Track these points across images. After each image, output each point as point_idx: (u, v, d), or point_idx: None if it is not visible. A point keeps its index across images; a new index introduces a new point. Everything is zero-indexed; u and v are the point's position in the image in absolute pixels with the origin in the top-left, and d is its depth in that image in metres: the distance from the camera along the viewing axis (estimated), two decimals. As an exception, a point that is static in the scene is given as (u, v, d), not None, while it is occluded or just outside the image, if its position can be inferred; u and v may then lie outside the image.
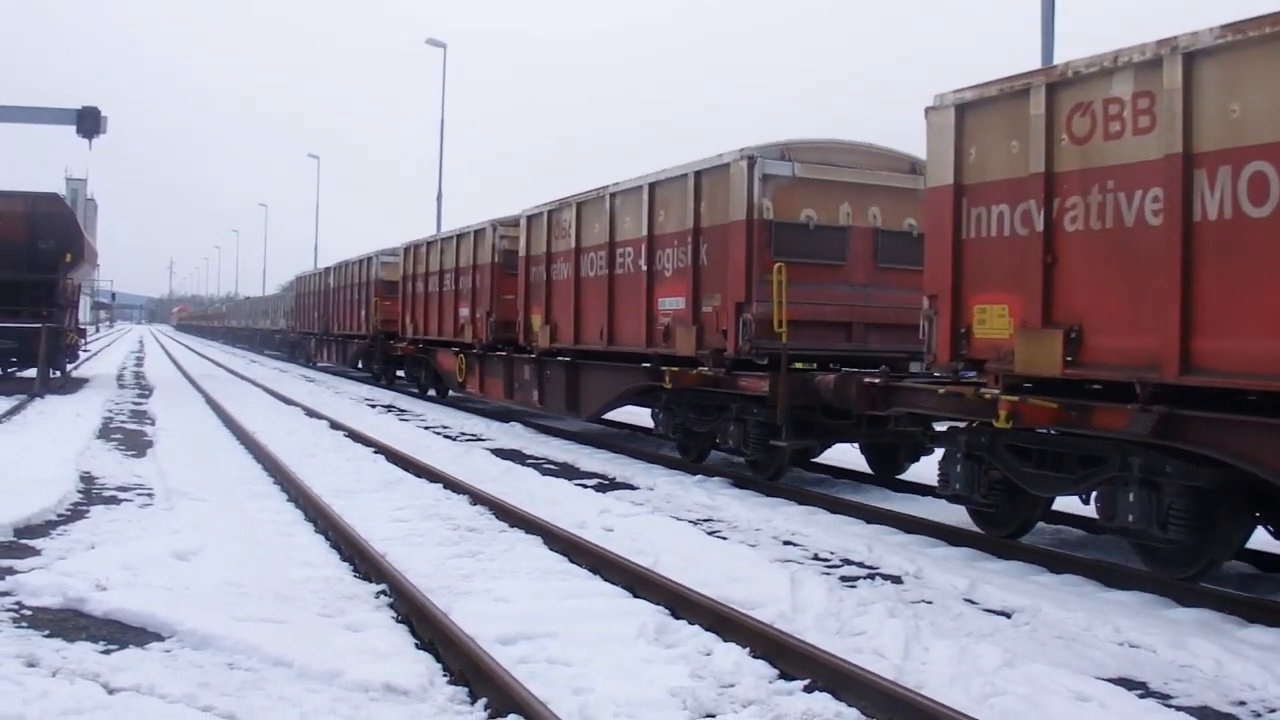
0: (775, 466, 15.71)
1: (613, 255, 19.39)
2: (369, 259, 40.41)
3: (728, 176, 15.91)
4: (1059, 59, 15.75)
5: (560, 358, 21.64)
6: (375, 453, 18.52)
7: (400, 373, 38.19)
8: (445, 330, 29.46)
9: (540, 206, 22.63)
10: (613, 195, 19.47)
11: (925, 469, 15.47)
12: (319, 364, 52.81)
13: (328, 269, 49.57)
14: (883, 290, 16.27)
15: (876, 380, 13.27)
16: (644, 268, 18.26)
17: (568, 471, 17.30)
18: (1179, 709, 7.06)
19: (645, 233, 18.22)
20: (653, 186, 18.10)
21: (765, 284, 15.18)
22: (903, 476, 16.50)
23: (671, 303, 17.51)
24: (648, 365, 18.08)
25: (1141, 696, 7.26)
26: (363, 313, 40.64)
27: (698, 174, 16.70)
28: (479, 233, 27.03)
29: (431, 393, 33.52)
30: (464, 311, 27.70)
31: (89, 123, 29.40)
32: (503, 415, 26.32)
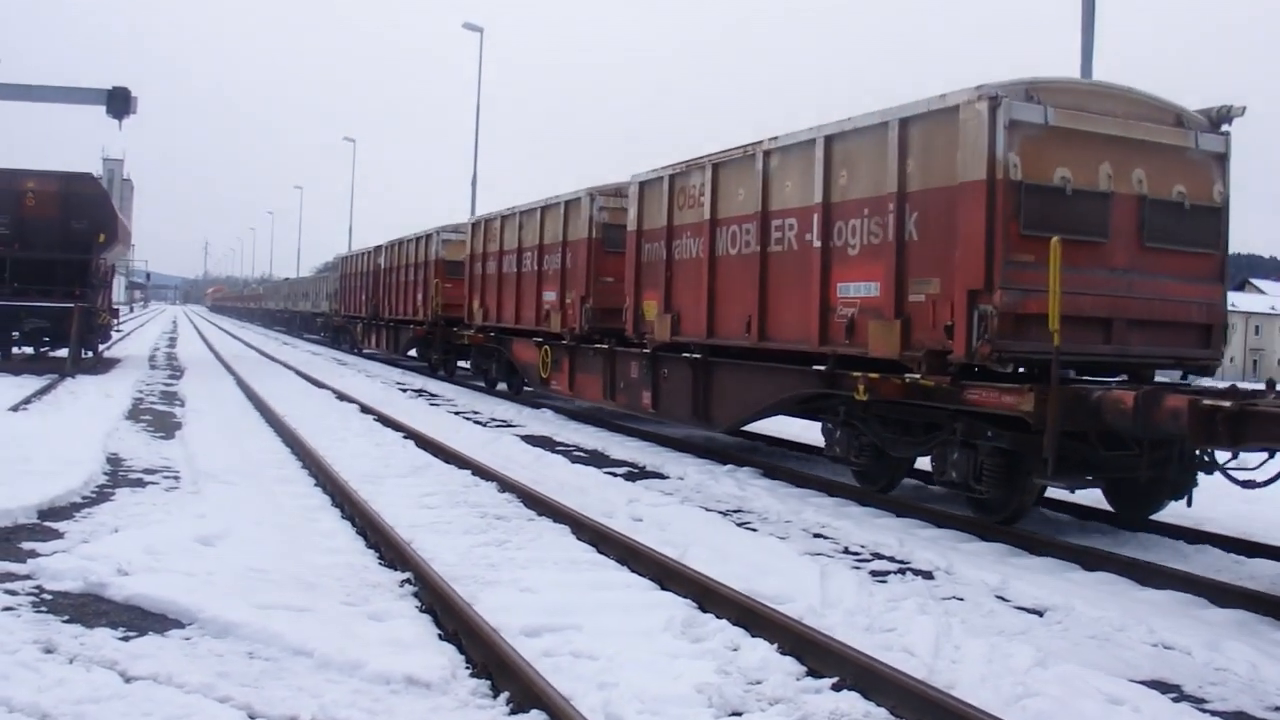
0: (1015, 508, 12.38)
1: (766, 228, 15.53)
2: (428, 236, 36.57)
3: (957, 123, 12.14)
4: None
5: (685, 354, 18.09)
6: (404, 437, 18.43)
7: (464, 364, 34.99)
8: (525, 317, 25.75)
9: (658, 170, 18.78)
10: (767, 154, 15.57)
11: (1186, 510, 12.99)
12: (365, 351, 49.96)
13: (378, 248, 45.46)
14: (1148, 277, 12.59)
15: (1225, 403, 10.19)
16: (815, 244, 14.35)
17: (597, 459, 17.19)
18: (1214, 714, 6.90)
19: (819, 199, 14.31)
20: (829, 141, 14.23)
21: (1012, 266, 11.73)
22: (1158, 517, 13.06)
23: (859, 289, 13.69)
24: (820, 368, 14.33)
25: (1175, 700, 7.11)
26: (419, 296, 37.01)
27: (903, 122, 13.00)
28: (571, 203, 23.25)
29: (501, 387, 29.38)
30: (550, 296, 24.08)
31: (119, 103, 29.38)
32: (532, 402, 26.17)
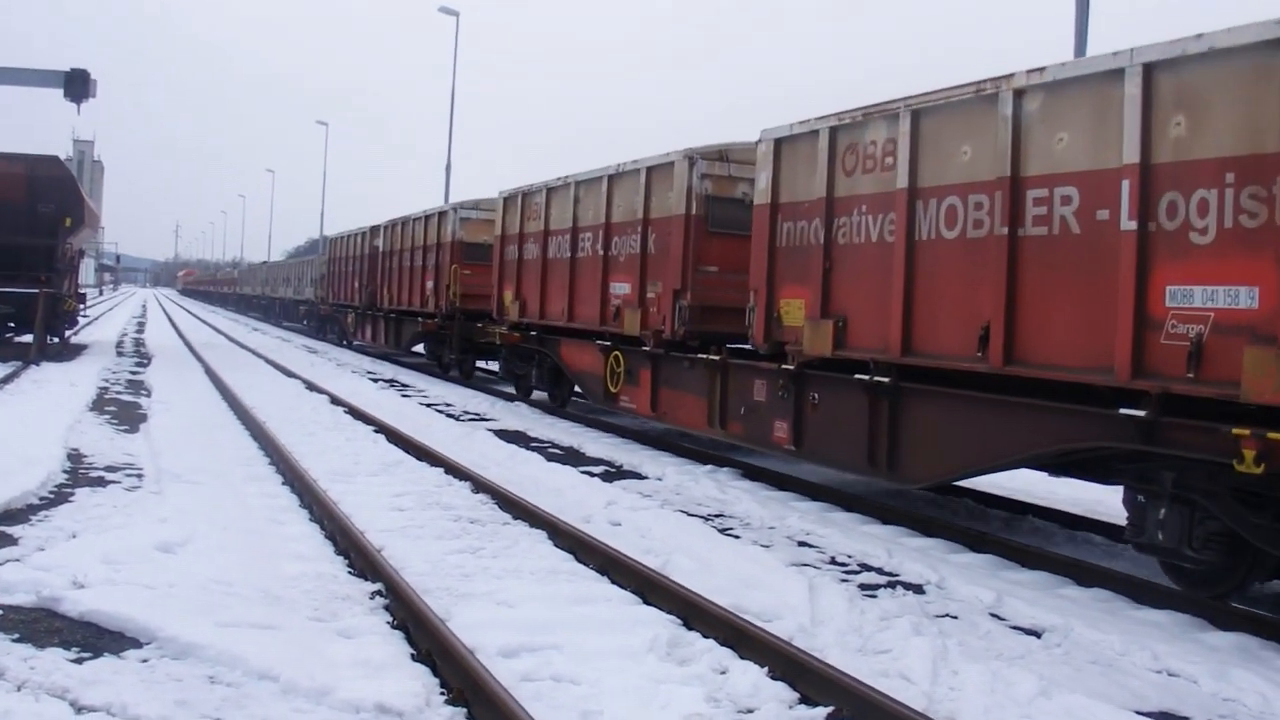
0: None
1: (1016, 201, 10.90)
2: (441, 214, 31.64)
3: None
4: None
5: (857, 376, 12.98)
6: (375, 432, 18.04)
7: (487, 365, 31.04)
8: (583, 314, 20.51)
9: (809, 122, 14.00)
10: (1020, 93, 11.02)
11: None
12: (357, 343, 45.08)
13: (376, 228, 40.20)
14: None
15: None
16: (1123, 225, 9.83)
17: (573, 457, 16.81)
18: (1229, 751, 6.53)
19: (1132, 159, 9.75)
20: (1152, 72, 9.70)
21: None
22: None
23: (1211, 295, 9.15)
24: (1132, 413, 9.57)
25: (1187, 733, 6.75)
26: (429, 284, 32.02)
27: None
28: (657, 170, 18.17)
29: (537, 396, 24.49)
30: (621, 288, 19.11)
31: (77, 86, 28.80)
32: (507, 395, 25.68)
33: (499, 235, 25.23)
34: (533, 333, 23.10)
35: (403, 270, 35.32)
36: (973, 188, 11.54)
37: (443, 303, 30.21)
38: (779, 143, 14.62)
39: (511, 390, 25.96)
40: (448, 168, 50.14)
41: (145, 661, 6.92)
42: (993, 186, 11.19)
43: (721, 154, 17.34)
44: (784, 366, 14.27)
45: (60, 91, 30.07)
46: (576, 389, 22.53)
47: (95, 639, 7.31)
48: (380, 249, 38.93)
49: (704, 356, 16.35)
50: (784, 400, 14.35)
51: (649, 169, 18.29)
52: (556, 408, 22.78)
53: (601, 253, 19.78)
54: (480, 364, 31.31)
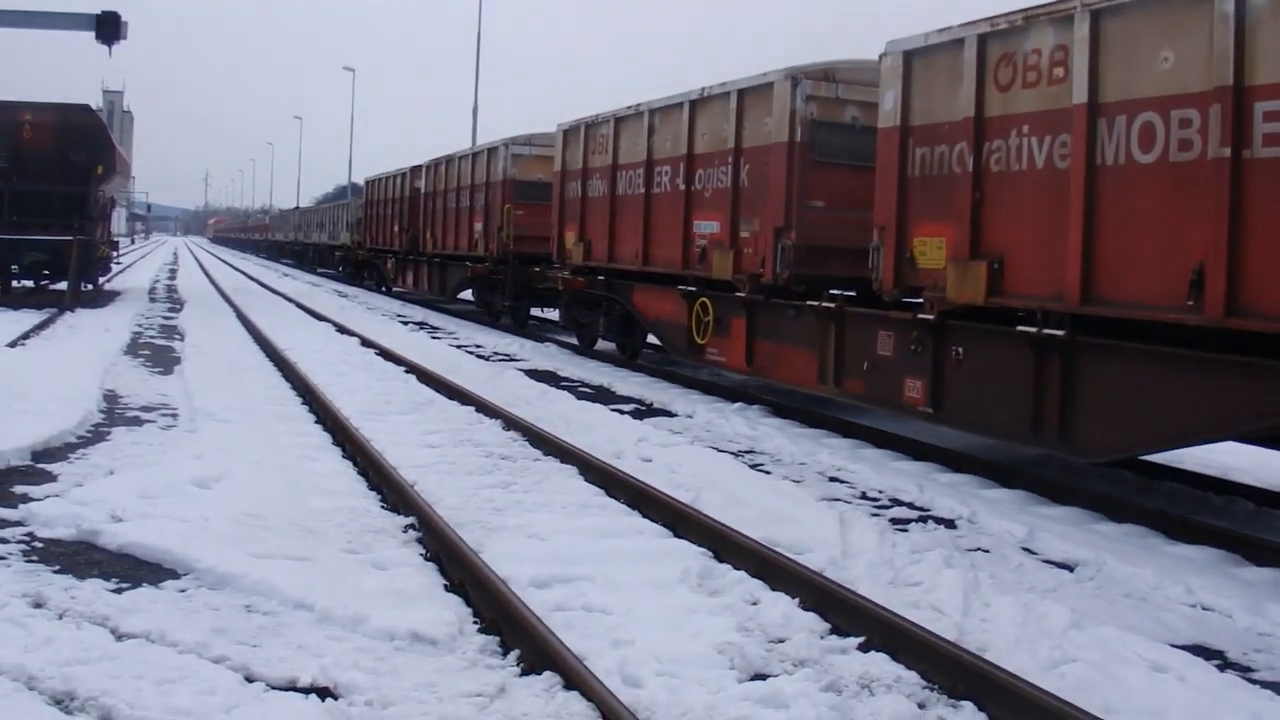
0: None
1: (1242, 117, 8.97)
2: (492, 150, 29.22)
3: None
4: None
5: (1020, 328, 10.98)
6: (406, 372, 18.09)
7: (544, 312, 29.13)
8: (661, 256, 18.42)
9: (948, 30, 12.01)
10: None
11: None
12: (397, 290, 43.31)
13: (417, 168, 37.58)
14: None
15: None
16: None
17: (604, 396, 16.85)
18: (1264, 685, 6.50)
19: None
20: None
21: None
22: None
23: None
24: None
25: (1221, 668, 6.72)
26: (478, 226, 29.69)
27: None
28: (752, 93, 15.90)
29: (602, 346, 22.59)
30: (707, 227, 16.91)
31: (108, 28, 28.69)
32: (535, 335, 25.68)
33: (559, 171, 22.93)
34: (600, 277, 20.92)
35: (448, 212, 33.13)
36: (1177, 101, 9.55)
37: (493, 246, 28.06)
38: (910, 56, 12.49)
39: (569, 339, 24.32)
40: (474, 110, 50.05)
41: (183, 591, 7.03)
42: (1207, 99, 9.20)
43: (827, 73, 15.13)
44: (920, 316, 12.18)
45: (91, 37, 30.02)
46: (650, 339, 21.01)
47: (134, 570, 7.42)
48: (422, 190, 36.54)
49: (815, 304, 14.11)
50: (918, 355, 12.38)
51: (741, 92, 16.03)
52: (626, 360, 20.91)
53: (683, 188, 17.55)
54: (535, 311, 29.29)
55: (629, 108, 19.72)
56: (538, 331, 26.97)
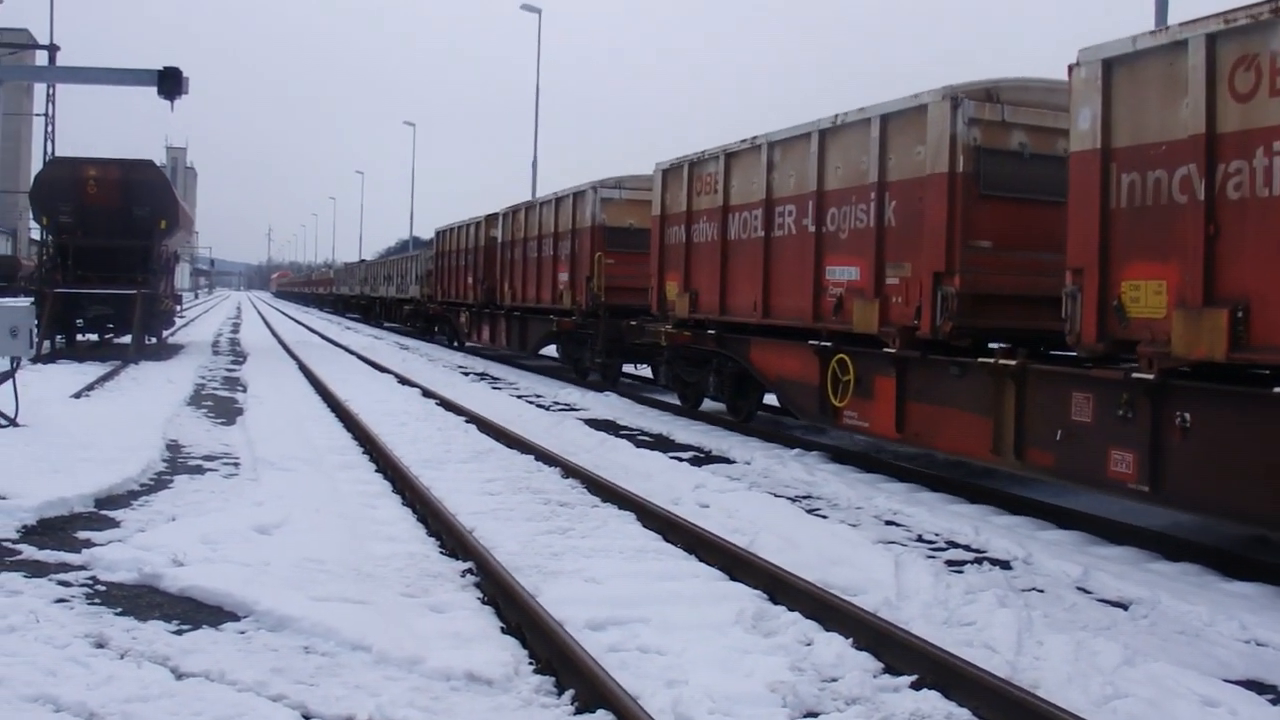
0: None
1: None
2: (578, 195, 26.79)
3: None
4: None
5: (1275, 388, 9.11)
6: (467, 422, 18.20)
7: (637, 369, 26.84)
8: (782, 307, 16.29)
9: (1164, 31, 10.59)
10: None
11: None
12: (470, 345, 40.31)
13: (492, 216, 35.50)
14: None
15: None
16: None
17: (662, 444, 16.86)
18: (1317, 720, 6.47)
19: None
20: None
21: None
22: None
23: None
24: None
25: (1274, 702, 6.73)
26: (562, 276, 27.49)
27: None
28: (897, 119, 13.88)
29: (709, 406, 20.42)
30: (843, 273, 14.82)
31: (170, 84, 29.19)
32: (598, 385, 25.75)
33: (658, 215, 20.96)
34: (709, 331, 18.72)
35: (528, 262, 30.91)
36: None
37: (581, 297, 25.84)
38: (1111, 65, 10.54)
39: (662, 397, 22.62)
40: (534, 163, 50.41)
41: (242, 633, 7.14)
42: None
43: (989, 92, 13.12)
44: (1135, 375, 10.13)
45: (153, 93, 30.58)
46: (768, 400, 19.25)
47: (194, 612, 7.55)
48: (499, 239, 34.23)
49: (989, 360, 12.06)
50: (1128, 422, 10.33)
51: (885, 117, 14.01)
52: (738, 422, 18.69)
53: (812, 229, 15.41)
54: (629, 368, 26.92)
55: (742, 142, 17.69)
56: (631, 390, 24.90)
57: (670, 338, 20.13)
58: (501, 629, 7.48)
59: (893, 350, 13.64)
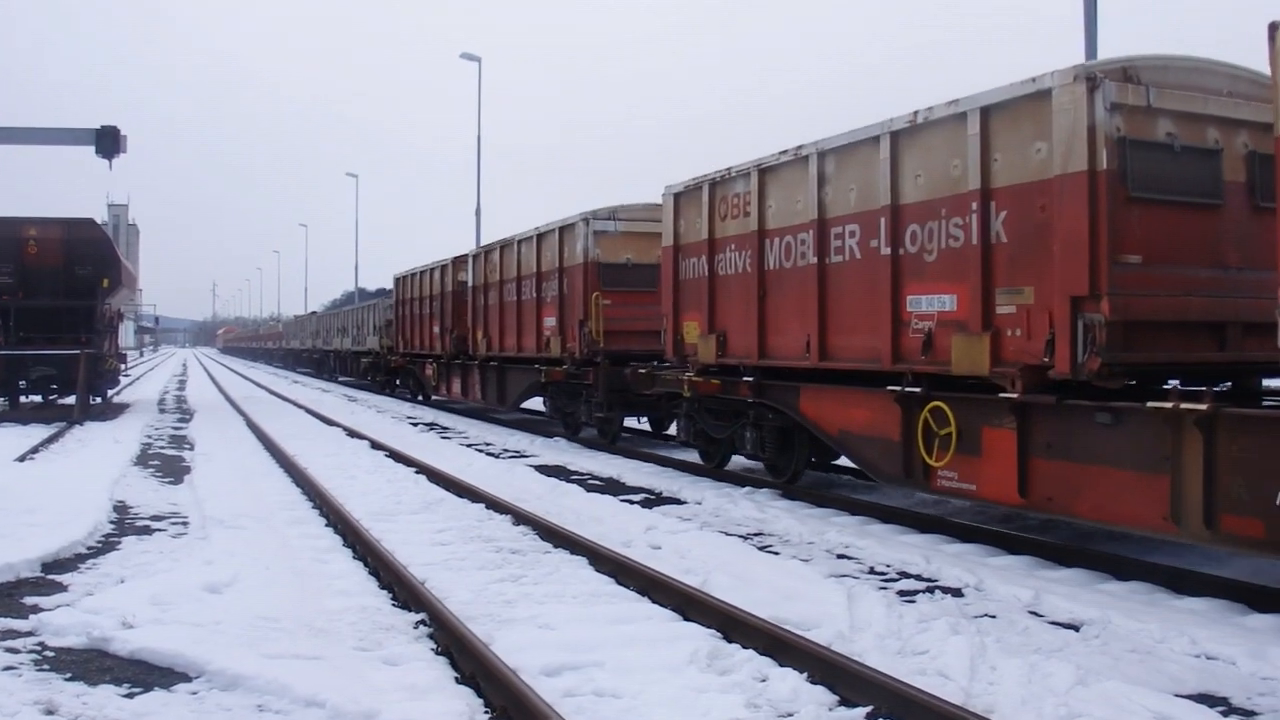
0: None
1: None
2: (566, 229, 23.73)
3: None
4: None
5: None
6: (416, 473, 18.15)
7: (634, 421, 24.26)
8: (844, 346, 13.80)
9: None
10: None
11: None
12: (438, 399, 37.90)
13: (460, 259, 33.21)
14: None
15: None
16: None
17: (613, 487, 16.87)
18: (1268, 728, 6.56)
19: None
20: None
21: None
22: None
23: None
24: None
25: (1225, 714, 6.86)
26: (549, 321, 24.54)
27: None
28: (1001, 110, 11.30)
29: (742, 463, 17.97)
30: (934, 303, 12.21)
31: (108, 142, 29.07)
32: (545, 430, 25.70)
33: (670, 246, 18.17)
34: (746, 378, 15.99)
35: (505, 307, 27.88)
36: None
37: (573, 343, 23.03)
38: None
39: (671, 452, 20.48)
40: (477, 210, 50.31)
41: (195, 694, 7.09)
42: None
43: (1126, 72, 10.55)
44: None
45: (84, 155, 30.43)
46: (815, 455, 16.41)
47: (145, 675, 7.48)
48: (469, 283, 31.45)
49: (1163, 405, 9.43)
50: None
51: (986, 110, 11.43)
52: (782, 485, 15.93)
53: (886, 252, 12.85)
54: (631, 421, 24.07)
55: (781, 154, 14.95)
56: (632, 447, 22.10)
57: (695, 387, 17.21)
58: (456, 679, 7.45)
59: (1014, 395, 10.91)
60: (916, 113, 12.37)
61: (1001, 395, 11.07)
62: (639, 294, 21.99)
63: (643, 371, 19.26)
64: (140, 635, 8.11)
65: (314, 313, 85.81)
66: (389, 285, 43.33)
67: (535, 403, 27.77)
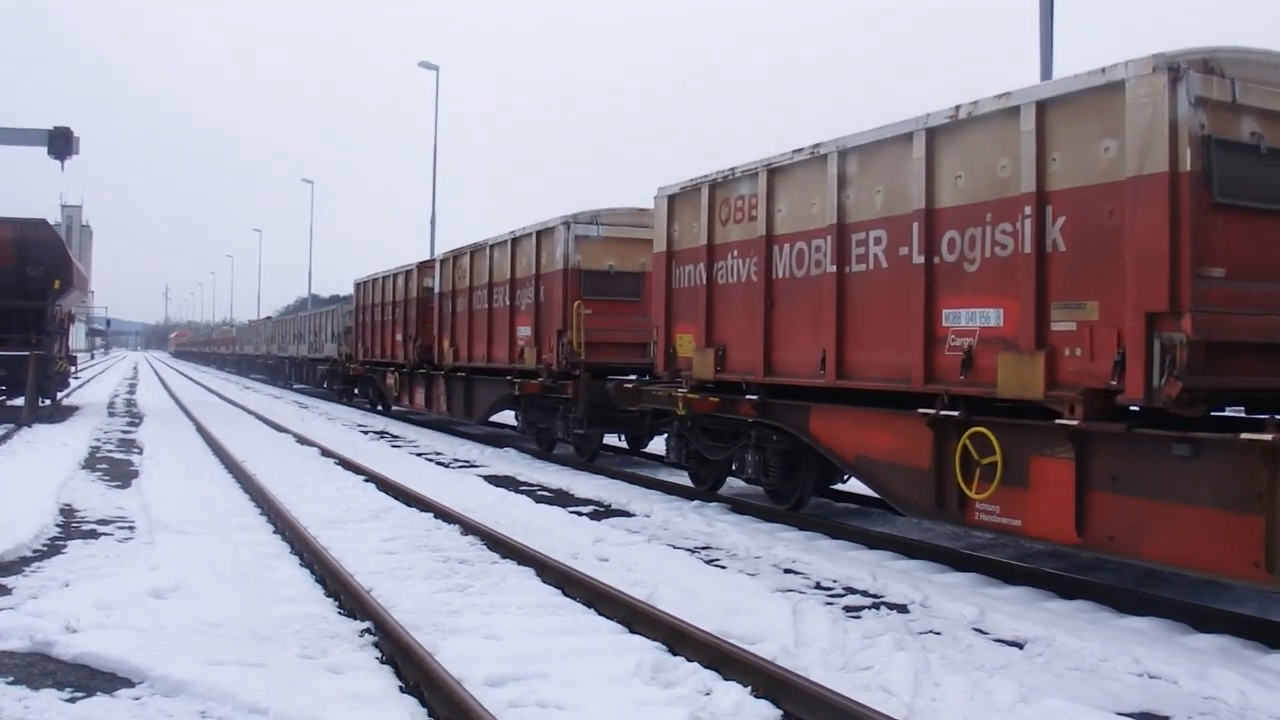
0: None
1: None
2: (545, 233, 22.34)
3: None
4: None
5: None
6: (365, 481, 18.11)
7: (614, 438, 22.76)
8: (863, 363, 12.67)
9: None
10: None
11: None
12: (399, 409, 36.13)
13: (426, 264, 32.36)
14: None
15: None
16: None
17: (562, 499, 16.88)
18: (1207, 746, 6.65)
19: None
20: None
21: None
22: None
23: None
24: None
25: (1166, 733, 6.90)
26: (523, 330, 23.16)
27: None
28: (1063, 104, 10.13)
29: (738, 486, 16.94)
30: (974, 318, 11.08)
31: (60, 144, 28.92)
32: (495, 440, 25.66)
33: (662, 253, 16.99)
34: (749, 396, 14.84)
35: (475, 315, 26.42)
36: None
37: (550, 355, 21.64)
38: None
39: (653, 474, 19.41)
40: (432, 219, 50.24)
41: (137, 699, 7.06)
42: None
43: (1207, 64, 9.41)
44: None
45: (37, 155, 30.25)
46: (819, 480, 14.97)
47: (88, 680, 7.45)
48: (436, 290, 30.10)
49: (1258, 437, 8.33)
50: None
51: (1044, 103, 10.28)
52: (785, 511, 14.90)
53: (918, 260, 11.70)
54: (611, 438, 22.75)
55: (794, 152, 13.80)
56: (611, 465, 21.04)
57: (691, 404, 15.98)
58: (400, 688, 7.45)
59: (1073, 422, 9.77)
60: (958, 107, 11.24)
61: (1058, 422, 9.90)
62: (622, 303, 21.19)
63: (628, 386, 18.23)
64: (84, 640, 8.07)
65: (269, 318, 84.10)
66: (344, 292, 43.03)
67: (504, 416, 27.29)
